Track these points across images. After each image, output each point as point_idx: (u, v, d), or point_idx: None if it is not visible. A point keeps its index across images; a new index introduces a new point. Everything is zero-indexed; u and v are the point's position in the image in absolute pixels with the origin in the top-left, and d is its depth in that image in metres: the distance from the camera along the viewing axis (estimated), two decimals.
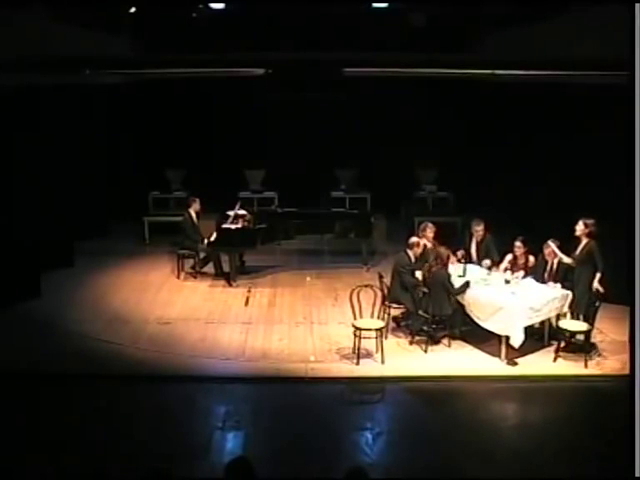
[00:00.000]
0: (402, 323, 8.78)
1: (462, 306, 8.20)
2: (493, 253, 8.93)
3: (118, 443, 6.16)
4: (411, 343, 8.17)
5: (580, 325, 7.88)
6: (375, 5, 9.99)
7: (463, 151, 12.81)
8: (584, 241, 7.90)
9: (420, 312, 8.07)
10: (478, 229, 9.00)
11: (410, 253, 8.53)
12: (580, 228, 7.92)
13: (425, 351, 8.00)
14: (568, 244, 8.57)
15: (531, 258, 8.59)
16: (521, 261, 8.62)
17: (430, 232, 9.01)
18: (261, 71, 10.46)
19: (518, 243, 8.63)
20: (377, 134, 13.51)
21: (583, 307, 7.91)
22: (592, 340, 7.89)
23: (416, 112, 13.01)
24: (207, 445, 6.18)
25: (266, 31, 10.42)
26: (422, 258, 8.66)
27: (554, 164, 10.53)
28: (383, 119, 13.38)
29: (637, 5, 4.51)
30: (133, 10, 9.83)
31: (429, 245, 8.88)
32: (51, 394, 7.05)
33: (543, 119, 10.80)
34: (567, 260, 8.05)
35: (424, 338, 8.14)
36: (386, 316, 8.50)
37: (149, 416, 6.68)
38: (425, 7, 10.32)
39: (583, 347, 7.84)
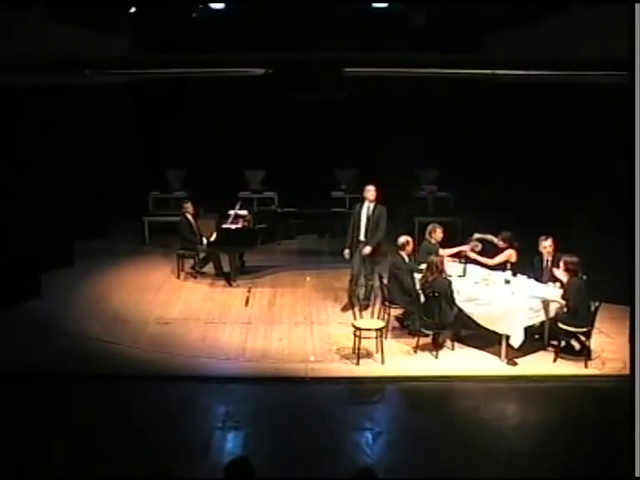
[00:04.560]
0: (405, 323, 8.77)
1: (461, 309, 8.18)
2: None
3: (118, 443, 6.15)
4: (415, 350, 8.11)
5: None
6: (375, 5, 10.00)
7: (463, 151, 12.81)
8: (566, 278, 7.84)
9: (424, 318, 8.02)
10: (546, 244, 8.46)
11: (403, 253, 8.54)
12: (560, 266, 7.86)
13: (436, 357, 7.96)
14: (568, 243, 8.59)
15: (509, 251, 8.60)
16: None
17: (440, 233, 8.96)
18: (261, 71, 10.47)
19: (499, 238, 8.73)
20: (377, 134, 13.51)
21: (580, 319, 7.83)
22: (592, 340, 7.87)
23: (416, 112, 13.02)
24: (207, 445, 6.17)
25: (266, 31, 10.43)
26: (418, 257, 8.70)
27: (554, 164, 10.54)
28: (383, 119, 13.39)
29: (637, 5, 4.52)
30: (133, 10, 9.84)
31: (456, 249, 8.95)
32: (51, 394, 7.05)
33: (543, 119, 10.80)
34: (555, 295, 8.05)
35: (428, 342, 8.11)
36: (386, 316, 8.51)
37: (149, 416, 6.67)
38: (425, 7, 10.33)
39: (583, 347, 7.83)
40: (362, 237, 9.11)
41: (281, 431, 6.42)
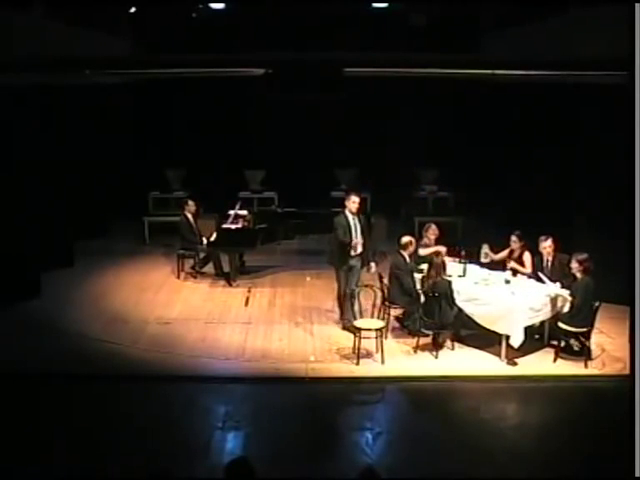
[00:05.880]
0: (405, 323, 8.76)
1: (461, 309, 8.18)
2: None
3: (118, 443, 6.15)
4: (415, 350, 8.10)
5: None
6: (375, 5, 10.02)
7: (463, 151, 12.81)
8: (579, 277, 7.80)
9: (424, 318, 8.01)
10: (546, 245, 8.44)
11: (404, 253, 8.52)
12: (575, 266, 7.76)
13: (436, 357, 7.96)
14: (567, 243, 8.59)
15: (527, 254, 8.60)
16: (516, 254, 8.64)
17: (432, 234, 8.99)
18: (261, 71, 10.48)
19: (514, 237, 8.69)
20: (377, 134, 13.52)
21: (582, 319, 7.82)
22: (592, 340, 7.87)
23: (416, 112, 13.02)
24: (207, 445, 6.17)
25: (266, 31, 10.44)
26: (420, 259, 8.69)
27: (554, 164, 10.53)
28: (383, 119, 13.39)
29: (637, 5, 4.52)
30: (133, 10, 9.85)
31: (432, 249, 8.86)
32: (51, 394, 7.05)
33: (543, 119, 10.81)
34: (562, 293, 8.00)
35: (428, 342, 8.11)
36: (386, 316, 8.50)
37: (149, 416, 6.67)
38: (425, 7, 10.35)
39: (583, 347, 7.83)
40: (353, 252, 8.54)
41: (281, 431, 6.41)
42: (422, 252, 8.75)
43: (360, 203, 8.69)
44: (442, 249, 8.73)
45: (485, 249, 8.83)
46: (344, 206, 8.67)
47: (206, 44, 10.43)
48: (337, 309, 8.94)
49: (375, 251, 9.05)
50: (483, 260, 8.79)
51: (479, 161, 12.62)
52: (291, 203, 12.47)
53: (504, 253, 8.82)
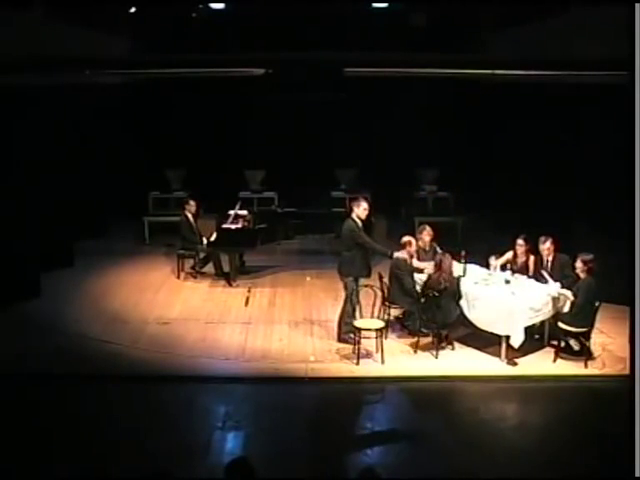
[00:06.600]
0: (405, 323, 8.76)
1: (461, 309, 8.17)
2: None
3: (118, 443, 6.15)
4: (415, 350, 8.10)
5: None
6: (375, 5, 10.01)
7: (463, 151, 12.81)
8: (582, 277, 7.77)
9: (424, 317, 7.99)
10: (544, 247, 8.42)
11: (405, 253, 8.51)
12: (579, 266, 7.74)
13: (436, 357, 7.95)
14: (568, 243, 8.59)
15: (533, 259, 8.60)
16: (522, 259, 8.63)
17: (427, 235, 8.98)
18: (261, 71, 10.47)
19: (520, 241, 8.64)
20: (377, 134, 13.52)
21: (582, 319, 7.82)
22: (592, 340, 7.87)
23: (416, 112, 13.02)
24: (207, 445, 6.17)
25: (266, 31, 10.42)
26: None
27: (554, 164, 10.54)
28: (383, 119, 13.39)
29: (637, 5, 4.52)
30: (133, 10, 9.84)
31: (426, 263, 8.81)
32: (51, 394, 7.05)
33: (543, 119, 10.81)
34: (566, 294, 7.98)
35: (428, 342, 8.10)
36: (386, 316, 8.50)
37: (149, 416, 6.67)
38: (425, 7, 10.33)
39: (582, 347, 7.82)
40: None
41: (281, 431, 6.41)
42: (417, 264, 8.71)
43: (370, 210, 8.52)
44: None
45: (493, 261, 8.78)
46: (351, 210, 8.45)
47: (206, 44, 10.42)
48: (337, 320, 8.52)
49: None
50: (493, 271, 8.73)
51: (479, 161, 12.62)
52: (291, 203, 12.46)
53: (508, 255, 8.79)
